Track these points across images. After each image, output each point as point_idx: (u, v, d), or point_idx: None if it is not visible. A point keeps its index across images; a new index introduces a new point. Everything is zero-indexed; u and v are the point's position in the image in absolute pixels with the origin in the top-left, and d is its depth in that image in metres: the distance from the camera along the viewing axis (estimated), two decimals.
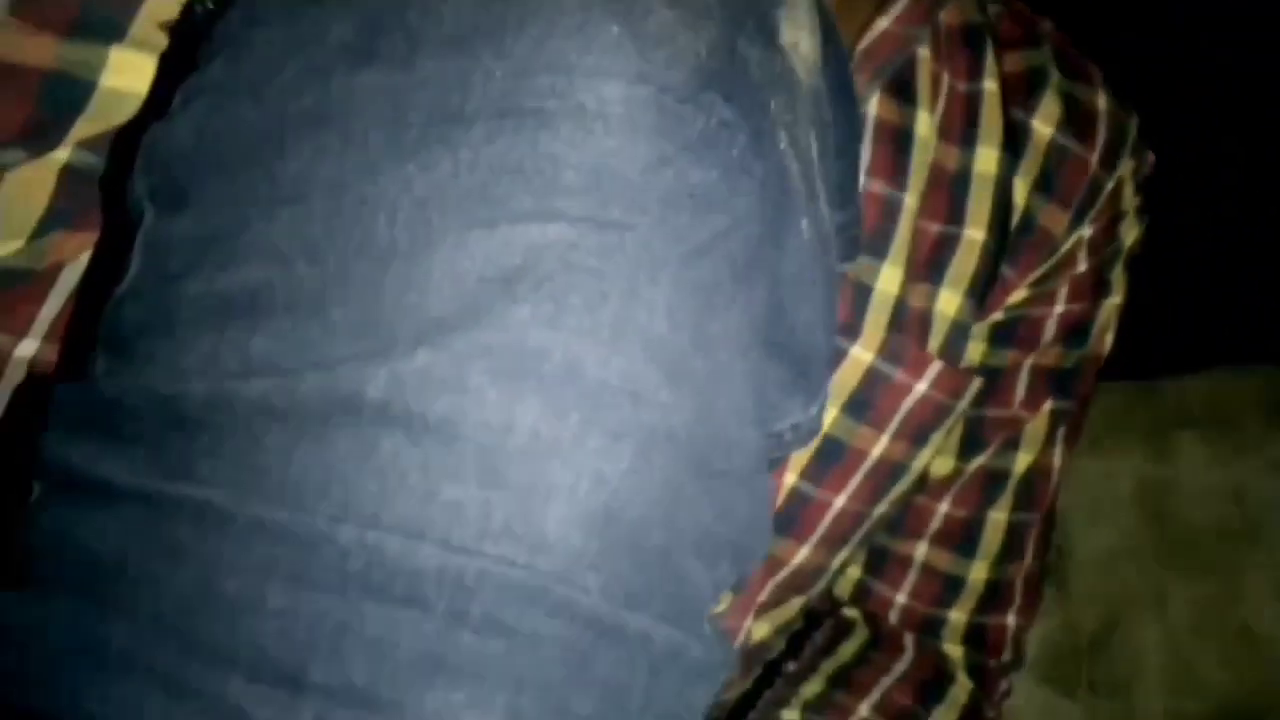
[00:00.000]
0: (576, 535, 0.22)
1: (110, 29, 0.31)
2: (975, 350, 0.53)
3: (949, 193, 0.49)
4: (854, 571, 0.58)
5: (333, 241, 0.23)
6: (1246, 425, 0.89)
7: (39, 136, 0.31)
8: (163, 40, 0.32)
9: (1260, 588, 0.87)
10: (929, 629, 0.57)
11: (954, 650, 0.58)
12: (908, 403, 0.49)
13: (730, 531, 0.25)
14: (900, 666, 0.57)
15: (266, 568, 0.22)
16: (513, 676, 0.22)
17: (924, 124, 0.48)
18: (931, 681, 0.57)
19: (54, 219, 0.33)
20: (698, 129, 0.23)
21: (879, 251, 0.48)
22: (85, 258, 0.35)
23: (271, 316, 0.23)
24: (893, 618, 0.57)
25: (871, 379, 0.48)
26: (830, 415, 0.48)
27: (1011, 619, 0.58)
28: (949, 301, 0.50)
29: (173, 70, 0.32)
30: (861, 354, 0.48)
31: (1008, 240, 0.51)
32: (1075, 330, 0.56)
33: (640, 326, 0.23)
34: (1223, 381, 0.90)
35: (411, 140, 0.23)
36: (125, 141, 0.32)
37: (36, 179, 0.32)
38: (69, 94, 0.31)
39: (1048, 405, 0.56)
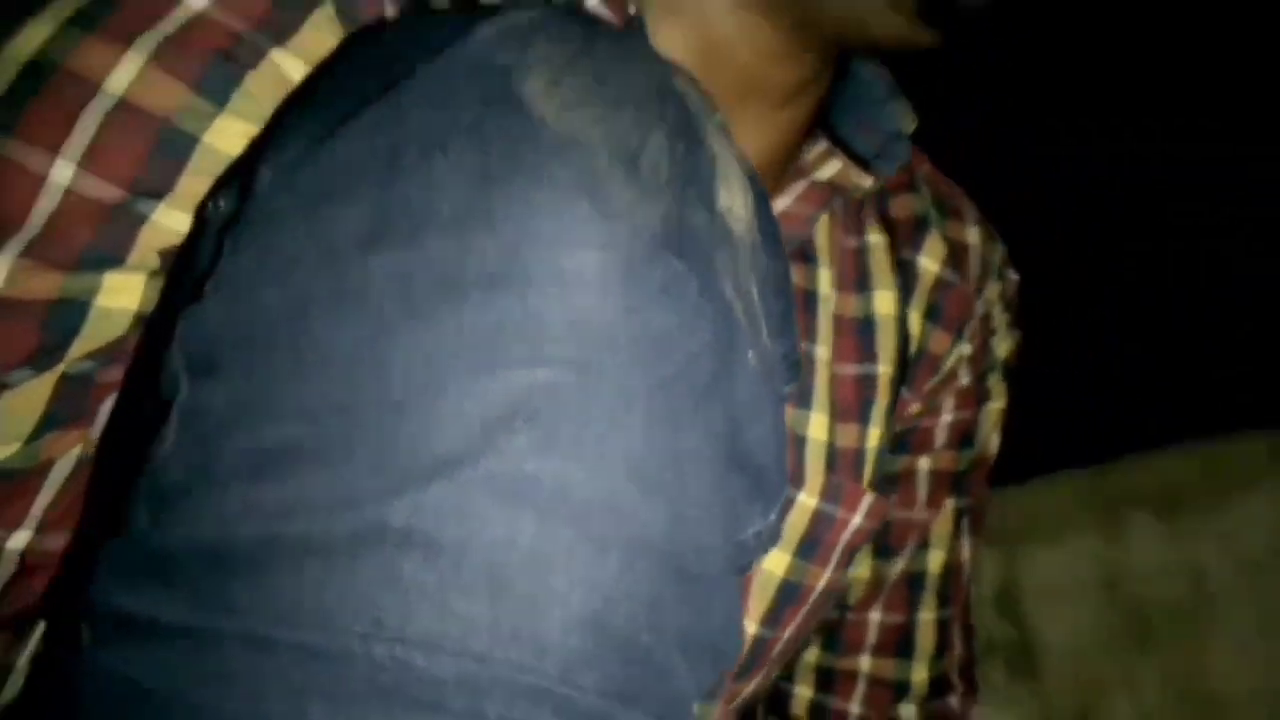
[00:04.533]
0: (574, 638, 0.25)
1: (108, 260, 0.35)
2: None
3: (856, 337, 0.54)
4: (805, 692, 0.61)
5: (355, 398, 0.26)
6: (1196, 500, 0.92)
7: (44, 357, 0.35)
8: (156, 261, 0.36)
9: (1224, 656, 0.89)
10: None
11: None
12: (846, 535, 0.52)
13: (708, 632, 0.28)
14: None
15: (308, 687, 0.24)
16: None
17: (825, 281, 0.52)
18: None
19: (49, 423, 0.36)
20: (657, 282, 0.27)
21: (805, 403, 0.52)
22: (76, 451, 0.37)
23: (305, 465, 0.26)
24: None
25: (817, 521, 0.52)
26: (785, 561, 0.51)
27: (955, 702, 0.61)
28: (875, 436, 0.53)
29: (186, 263, 0.36)
30: (806, 500, 0.51)
31: (907, 368, 0.56)
32: (964, 435, 0.60)
33: (619, 450, 0.26)
34: (1170, 460, 0.93)
35: (420, 307, 0.26)
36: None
37: (36, 391, 0.36)
38: (69, 319, 0.35)
39: (949, 504, 0.60)
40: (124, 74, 0.35)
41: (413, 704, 0.24)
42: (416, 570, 0.25)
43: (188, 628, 0.26)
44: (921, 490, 0.59)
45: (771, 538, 0.31)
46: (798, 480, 0.51)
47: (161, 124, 0.35)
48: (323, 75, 0.33)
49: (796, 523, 0.51)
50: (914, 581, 0.60)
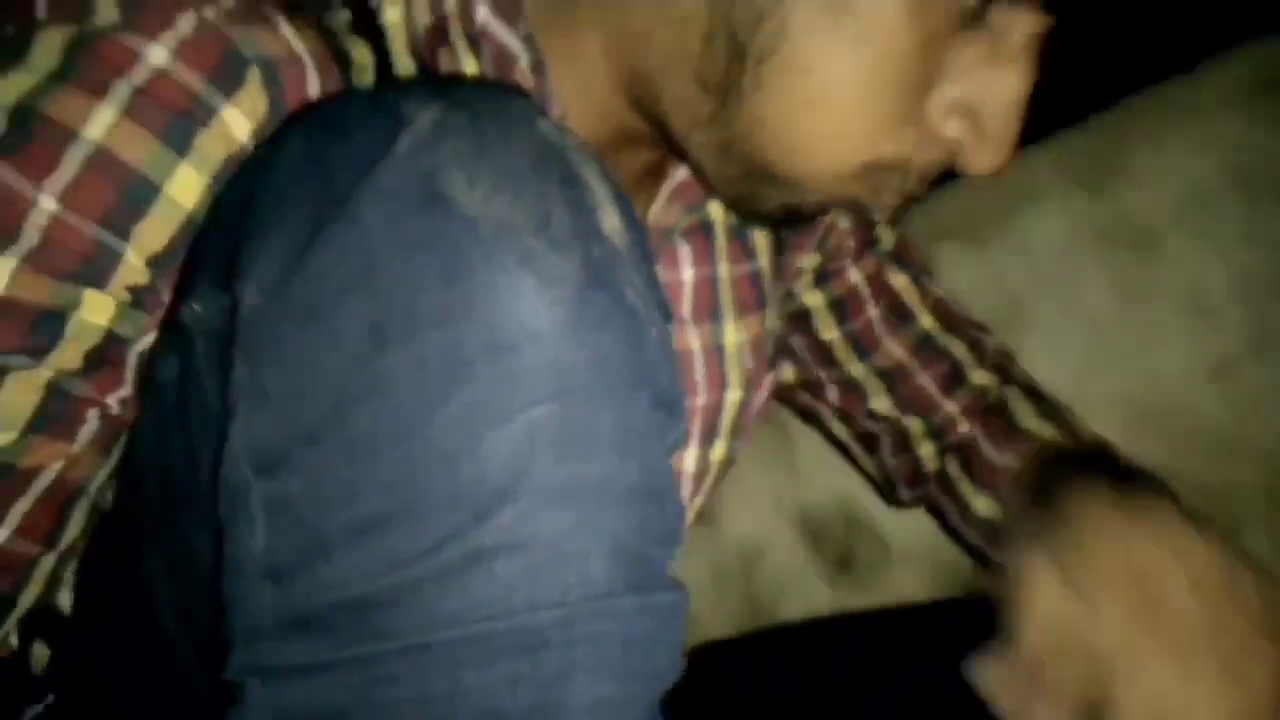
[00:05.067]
0: (607, 567, 0.35)
1: (91, 281, 0.43)
2: (809, 298, 0.66)
3: (739, 242, 0.63)
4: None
5: (414, 465, 0.34)
6: (992, 220, 1.01)
7: (36, 352, 0.42)
8: (126, 295, 0.44)
9: (1035, 355, 1.01)
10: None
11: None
12: (757, 406, 0.65)
13: (668, 521, 0.38)
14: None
15: (457, 662, 0.34)
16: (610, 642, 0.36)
17: (715, 210, 0.62)
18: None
19: (38, 423, 0.43)
20: (591, 316, 0.35)
21: (717, 318, 0.63)
22: (58, 466, 0.44)
23: (397, 524, 0.34)
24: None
25: (743, 408, 0.64)
26: (724, 446, 0.64)
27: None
28: (771, 317, 0.64)
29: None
30: (733, 395, 0.63)
31: (781, 247, 0.66)
32: (867, 239, 0.69)
33: (603, 439, 0.36)
34: (965, 191, 1.01)
35: (437, 387, 0.34)
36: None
37: (29, 385, 0.43)
38: (55, 326, 0.42)
39: (900, 279, 0.69)
40: (98, 123, 0.41)
41: (529, 649, 0.34)
42: (508, 568, 0.34)
43: (349, 659, 0.34)
44: (864, 288, 0.68)
45: (680, 441, 0.40)
46: (724, 383, 0.60)
47: (131, 172, 0.42)
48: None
49: (729, 415, 0.60)
50: (923, 341, 0.69)
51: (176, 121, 0.42)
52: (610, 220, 0.37)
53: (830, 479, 1.01)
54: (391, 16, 0.47)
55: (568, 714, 0.34)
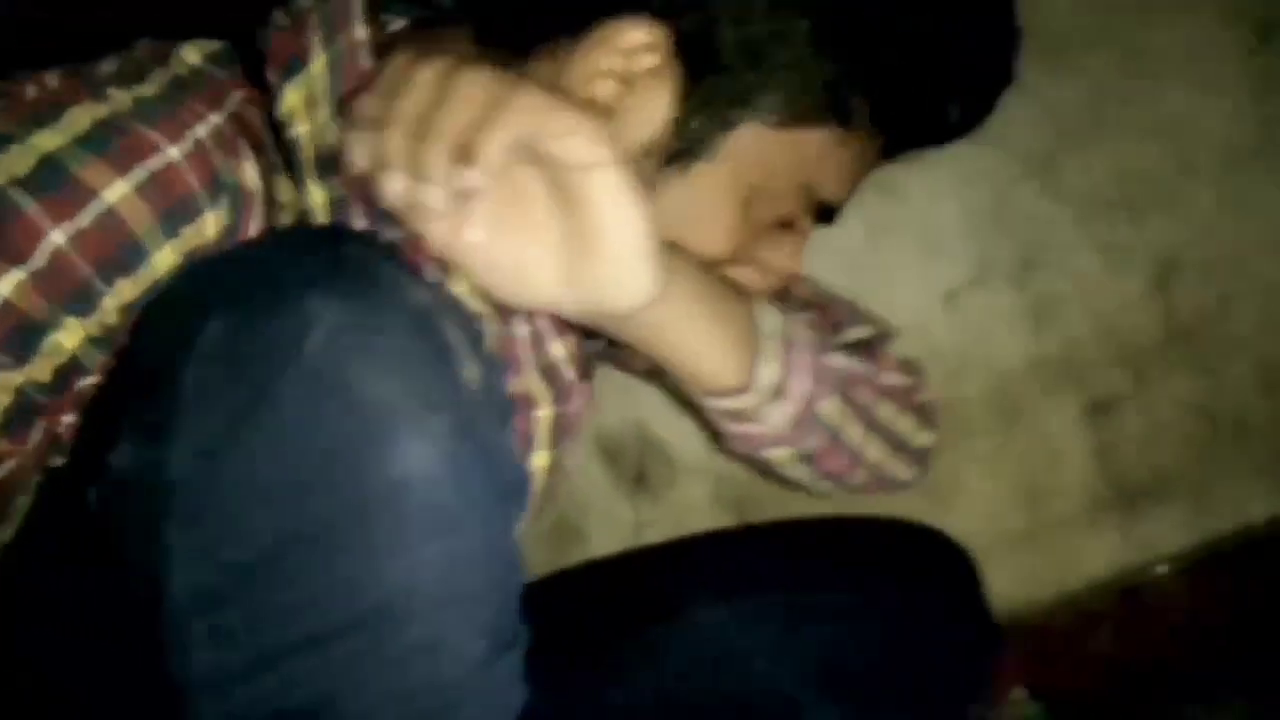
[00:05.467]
0: (480, 648, 0.46)
1: (76, 310, 0.51)
2: None
3: None
4: None
5: (334, 592, 0.44)
6: None
7: (18, 358, 0.50)
8: (96, 332, 0.51)
9: None
10: None
11: None
12: (575, 415, 0.71)
13: (518, 580, 0.48)
14: None
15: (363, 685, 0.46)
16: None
17: None
18: None
19: (5, 426, 0.51)
20: (464, 458, 0.45)
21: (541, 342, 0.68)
22: (11, 464, 0.52)
23: (326, 641, 0.43)
24: None
25: (557, 419, 0.69)
26: (544, 456, 0.69)
27: None
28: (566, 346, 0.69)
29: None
30: (559, 409, 0.68)
31: None
32: None
33: (476, 553, 0.46)
34: None
35: (347, 534, 0.44)
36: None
37: (4, 387, 0.50)
38: (35, 338, 0.50)
39: None
40: (116, 192, 0.50)
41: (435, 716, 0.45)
42: (417, 667, 0.44)
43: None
44: None
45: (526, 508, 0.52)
46: (539, 400, 0.67)
47: (130, 235, 0.51)
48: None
49: (544, 428, 0.68)
50: None
51: (173, 210, 0.52)
52: (470, 370, 0.46)
53: (623, 403, 1.09)
54: (301, 130, 0.57)
55: None
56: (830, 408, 0.66)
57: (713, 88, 0.57)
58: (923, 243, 1.10)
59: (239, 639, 0.44)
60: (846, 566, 0.74)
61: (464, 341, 0.47)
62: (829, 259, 1.09)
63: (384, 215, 0.55)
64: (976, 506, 1.16)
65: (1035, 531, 1.17)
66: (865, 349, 0.71)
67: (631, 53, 0.57)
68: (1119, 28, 1.07)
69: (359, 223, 0.58)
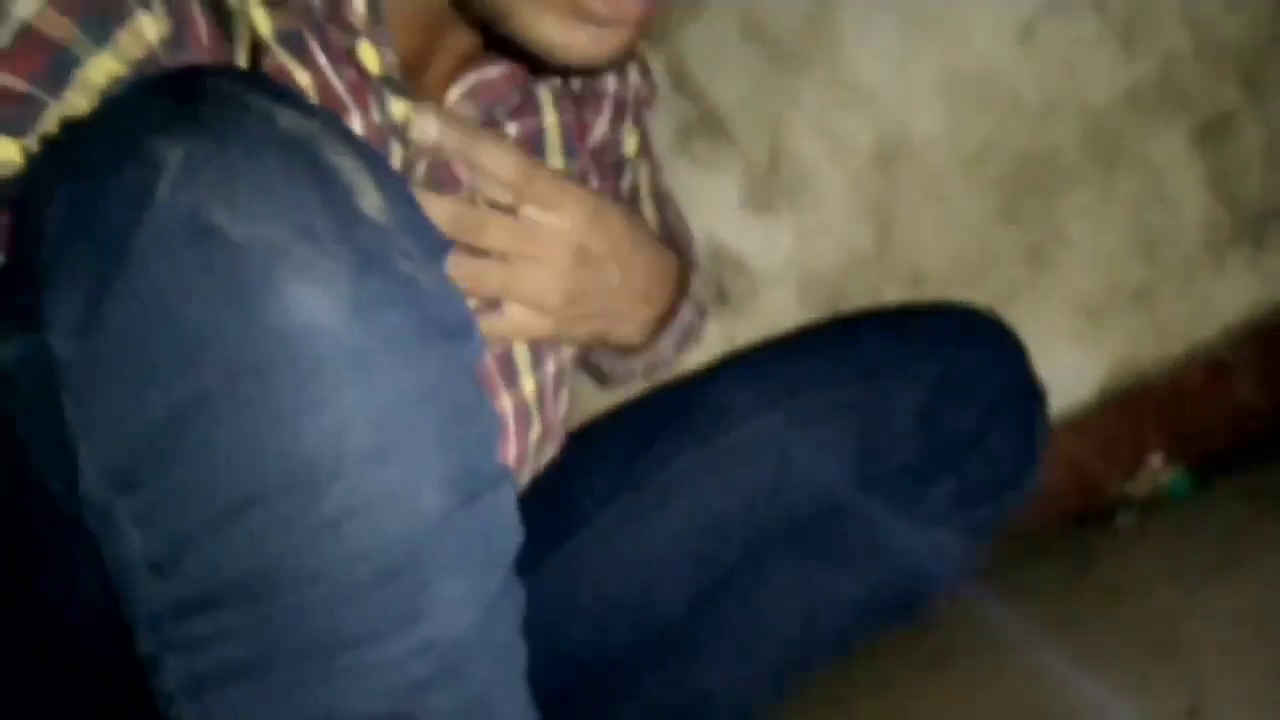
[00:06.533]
0: (434, 500, 0.41)
1: (10, 129, 0.49)
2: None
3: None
4: None
5: (250, 460, 0.39)
6: None
7: None
8: (35, 145, 0.50)
9: None
10: None
11: None
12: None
13: (485, 426, 0.43)
14: None
15: (336, 604, 0.40)
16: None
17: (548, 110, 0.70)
18: None
19: None
20: (368, 298, 0.39)
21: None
22: None
23: (251, 511, 0.39)
24: None
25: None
26: (530, 382, 0.69)
27: None
28: None
29: None
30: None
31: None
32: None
33: (405, 393, 0.40)
34: None
35: (250, 395, 0.38)
36: None
37: None
38: None
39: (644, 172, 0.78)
40: (26, 7, 0.48)
41: (389, 577, 0.40)
42: (353, 529, 0.39)
43: (244, 622, 0.40)
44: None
45: (478, 348, 0.44)
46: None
47: (57, 48, 0.49)
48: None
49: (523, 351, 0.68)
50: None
51: (94, 15, 0.50)
52: (369, 199, 0.41)
53: (694, 220, 1.02)
54: None
55: (433, 614, 0.41)
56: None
57: None
58: None
59: (161, 517, 0.40)
60: (888, 352, 0.74)
61: (360, 169, 0.41)
62: (880, 8, 1.00)
63: (331, 45, 0.56)
64: (1086, 263, 1.06)
65: (1156, 282, 1.07)
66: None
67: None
68: None
69: (319, 57, 0.57)
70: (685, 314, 0.75)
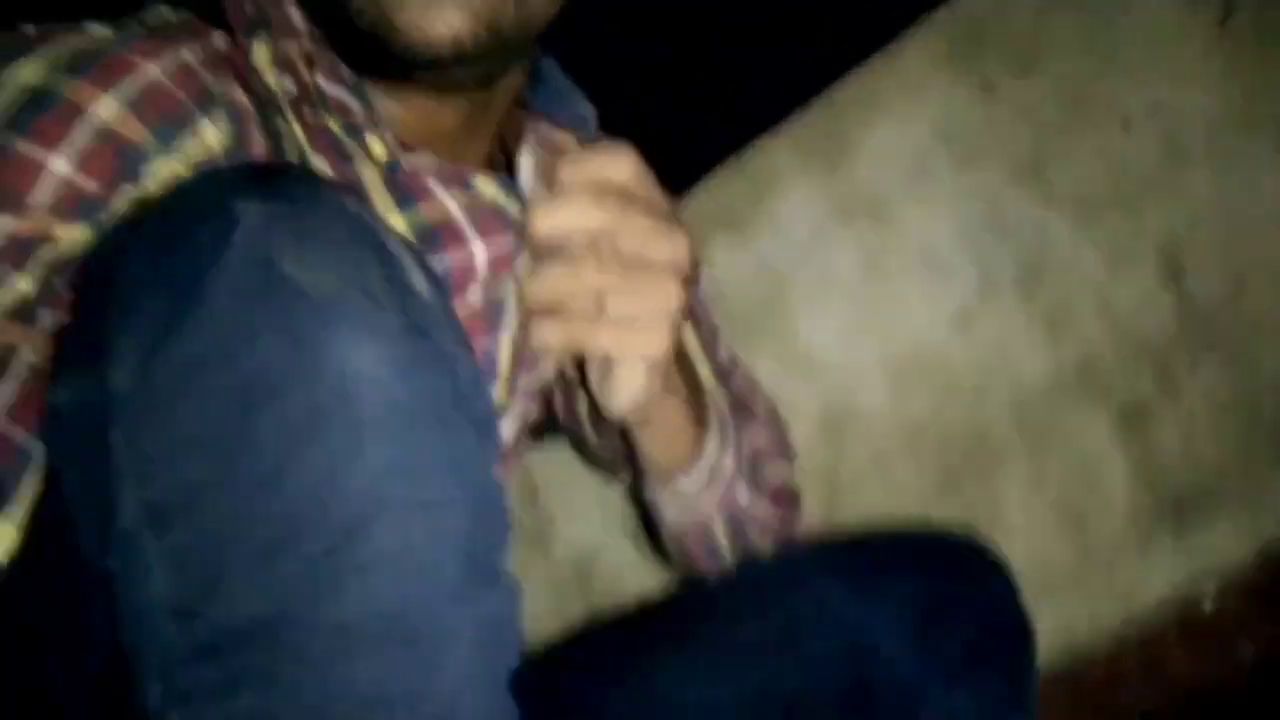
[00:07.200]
0: (454, 572, 0.42)
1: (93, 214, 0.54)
2: None
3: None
4: None
5: (288, 503, 0.39)
6: (745, 212, 1.07)
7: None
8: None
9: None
10: None
11: None
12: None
13: (499, 523, 0.45)
14: None
15: (351, 658, 0.40)
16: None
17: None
18: None
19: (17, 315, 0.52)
20: (415, 359, 0.42)
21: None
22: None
23: (282, 555, 0.39)
24: None
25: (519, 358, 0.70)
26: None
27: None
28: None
29: None
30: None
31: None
32: None
33: (439, 459, 0.42)
34: (720, 180, 1.05)
35: (299, 438, 0.40)
36: None
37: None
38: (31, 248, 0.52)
39: None
40: (106, 108, 0.52)
41: (406, 642, 0.40)
42: (378, 579, 0.40)
43: (258, 672, 0.39)
44: None
45: (499, 455, 0.46)
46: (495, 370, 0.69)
47: (130, 148, 0.53)
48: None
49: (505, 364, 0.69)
50: None
51: (165, 122, 0.54)
52: (417, 279, 0.44)
53: None
54: (271, 81, 0.60)
55: (441, 691, 0.41)
56: (720, 529, 0.74)
57: None
58: (923, 266, 1.08)
59: (194, 556, 0.40)
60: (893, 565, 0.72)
61: (408, 253, 0.45)
62: (830, 292, 1.05)
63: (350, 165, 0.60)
64: (1020, 540, 1.09)
65: (1085, 562, 1.11)
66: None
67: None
68: (1082, 25, 1.06)
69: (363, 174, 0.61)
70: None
